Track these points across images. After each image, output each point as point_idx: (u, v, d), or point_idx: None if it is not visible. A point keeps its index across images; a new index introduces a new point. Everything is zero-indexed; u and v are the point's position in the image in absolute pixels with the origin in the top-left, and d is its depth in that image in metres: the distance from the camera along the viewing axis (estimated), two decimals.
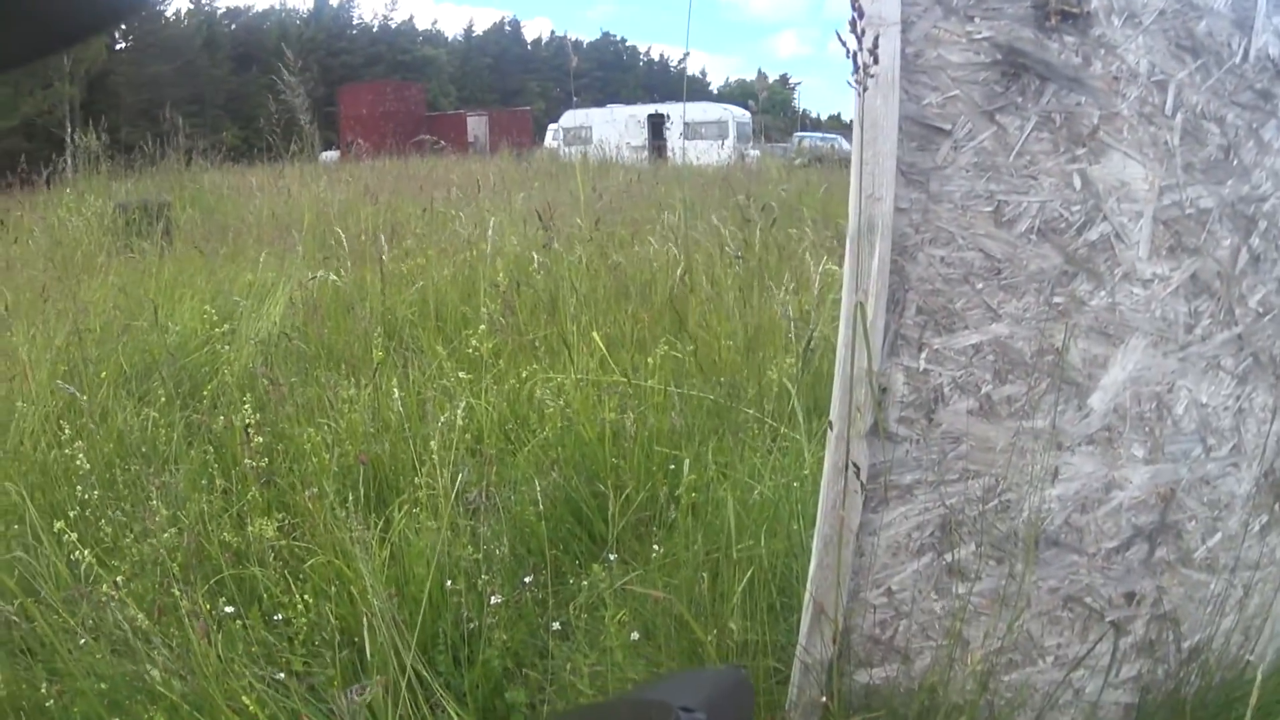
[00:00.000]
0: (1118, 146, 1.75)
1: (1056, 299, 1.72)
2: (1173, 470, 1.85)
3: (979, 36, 1.68)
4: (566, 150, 14.56)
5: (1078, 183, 1.72)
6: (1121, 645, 1.90)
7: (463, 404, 2.32)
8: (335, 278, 3.79)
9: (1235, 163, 1.84)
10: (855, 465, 1.61)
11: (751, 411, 2.47)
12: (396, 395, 2.50)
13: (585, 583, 1.99)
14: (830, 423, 1.65)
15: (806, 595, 1.75)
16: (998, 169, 1.68)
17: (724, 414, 2.51)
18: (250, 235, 5.29)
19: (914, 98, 1.65)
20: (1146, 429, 1.81)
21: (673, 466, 2.31)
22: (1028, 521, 1.75)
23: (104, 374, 2.86)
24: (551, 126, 23.56)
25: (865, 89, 1.57)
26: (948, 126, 1.66)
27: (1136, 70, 1.76)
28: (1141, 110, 1.77)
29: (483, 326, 2.79)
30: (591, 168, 8.84)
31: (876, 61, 1.56)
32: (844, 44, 1.62)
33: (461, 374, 2.62)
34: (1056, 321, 1.72)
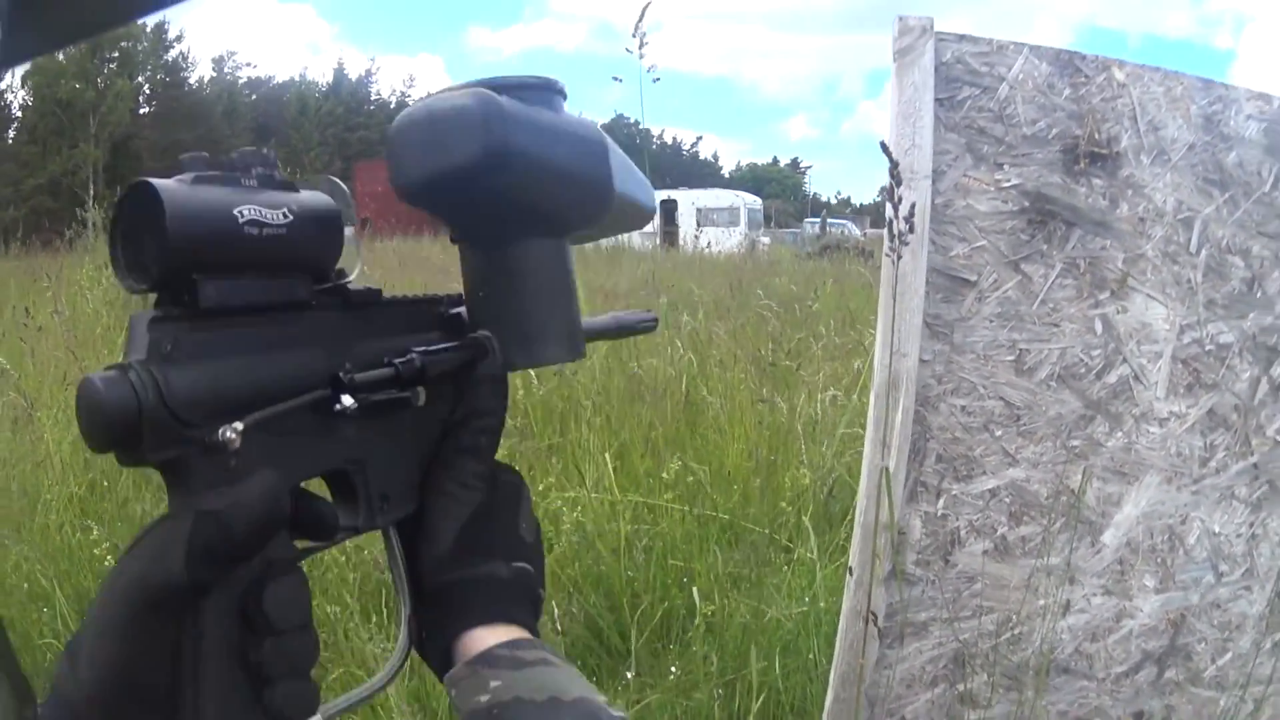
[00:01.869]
0: (1140, 289, 1.77)
1: (1073, 442, 1.75)
2: (1183, 597, 1.89)
3: (1007, 184, 1.69)
4: None
5: (1099, 327, 1.74)
6: None
7: None
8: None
9: (1259, 294, 1.85)
10: (874, 614, 1.66)
11: (766, 531, 2.53)
12: None
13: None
14: (850, 568, 1.70)
15: None
16: (1021, 318, 1.70)
17: (737, 529, 2.57)
18: None
19: (941, 249, 1.67)
20: (1158, 560, 1.85)
21: (685, 579, 2.37)
22: (1039, 652, 1.80)
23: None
24: None
25: (900, 258, 1.59)
26: (974, 277, 1.68)
27: (1163, 209, 1.77)
28: (1166, 250, 1.78)
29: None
30: (605, 254, 8.76)
31: (912, 230, 1.58)
32: (884, 208, 1.63)
33: None
34: (1073, 464, 1.75)
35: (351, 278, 0.57)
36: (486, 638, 0.58)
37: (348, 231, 0.55)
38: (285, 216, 0.50)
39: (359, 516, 0.59)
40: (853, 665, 1.72)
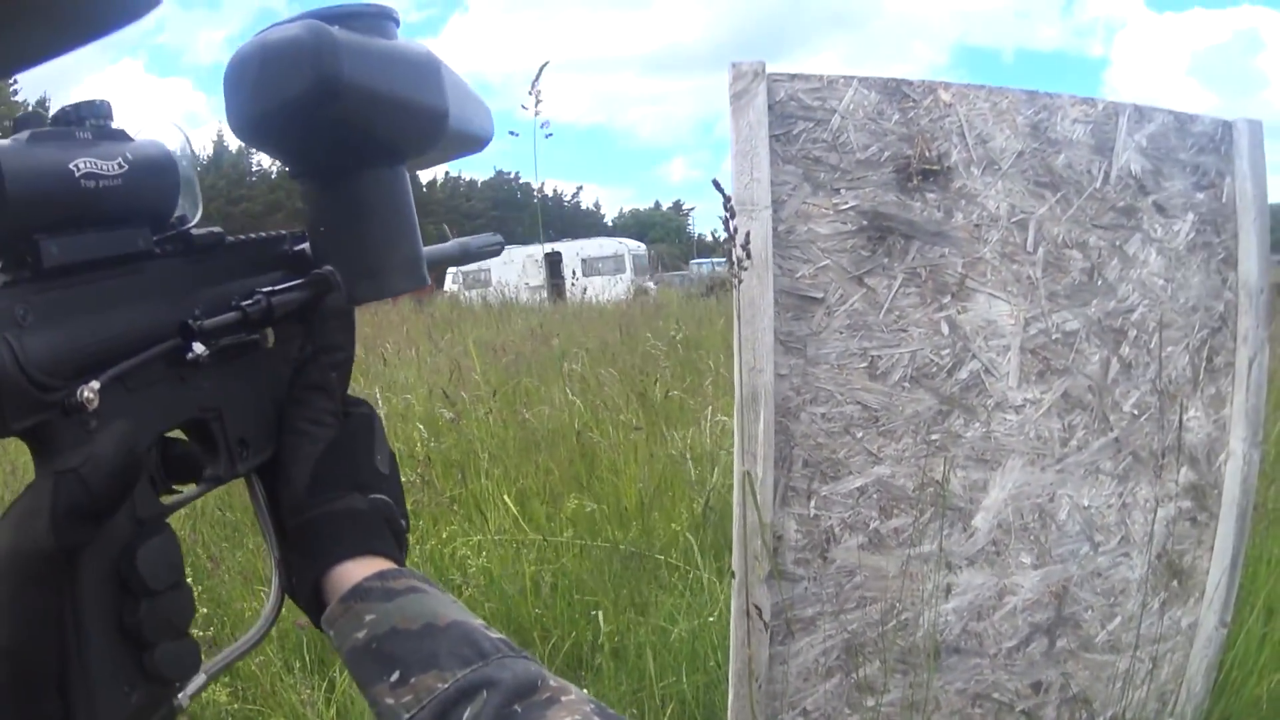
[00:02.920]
0: (982, 289, 1.91)
1: (933, 436, 1.89)
2: (1062, 570, 2.02)
3: (845, 207, 1.85)
4: (467, 294, 14.72)
5: (946, 329, 1.89)
6: None
7: None
8: None
9: (1099, 282, 1.99)
10: (757, 608, 1.80)
11: (661, 557, 2.66)
12: None
13: None
14: (733, 571, 1.84)
15: None
16: (869, 327, 1.85)
17: (636, 560, 2.69)
18: None
19: (788, 272, 1.82)
20: (1031, 538, 1.98)
21: (594, 613, 2.50)
22: (926, 635, 1.93)
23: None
24: (451, 270, 23.91)
25: (740, 281, 1.75)
26: (820, 295, 1.83)
27: (997, 214, 1.92)
28: (1003, 251, 1.92)
29: None
30: (494, 312, 8.86)
31: (749, 256, 1.74)
32: (726, 249, 1.79)
33: None
34: (935, 457, 1.89)
35: (193, 222, 0.56)
36: (354, 572, 0.58)
37: (184, 172, 0.55)
38: (120, 166, 0.49)
39: (220, 465, 0.58)
40: (744, 662, 1.85)
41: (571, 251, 21.56)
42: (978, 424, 1.92)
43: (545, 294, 13.94)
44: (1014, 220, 1.93)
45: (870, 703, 1.94)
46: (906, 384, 1.87)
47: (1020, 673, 2.03)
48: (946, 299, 1.88)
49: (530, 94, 2.64)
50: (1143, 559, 2.08)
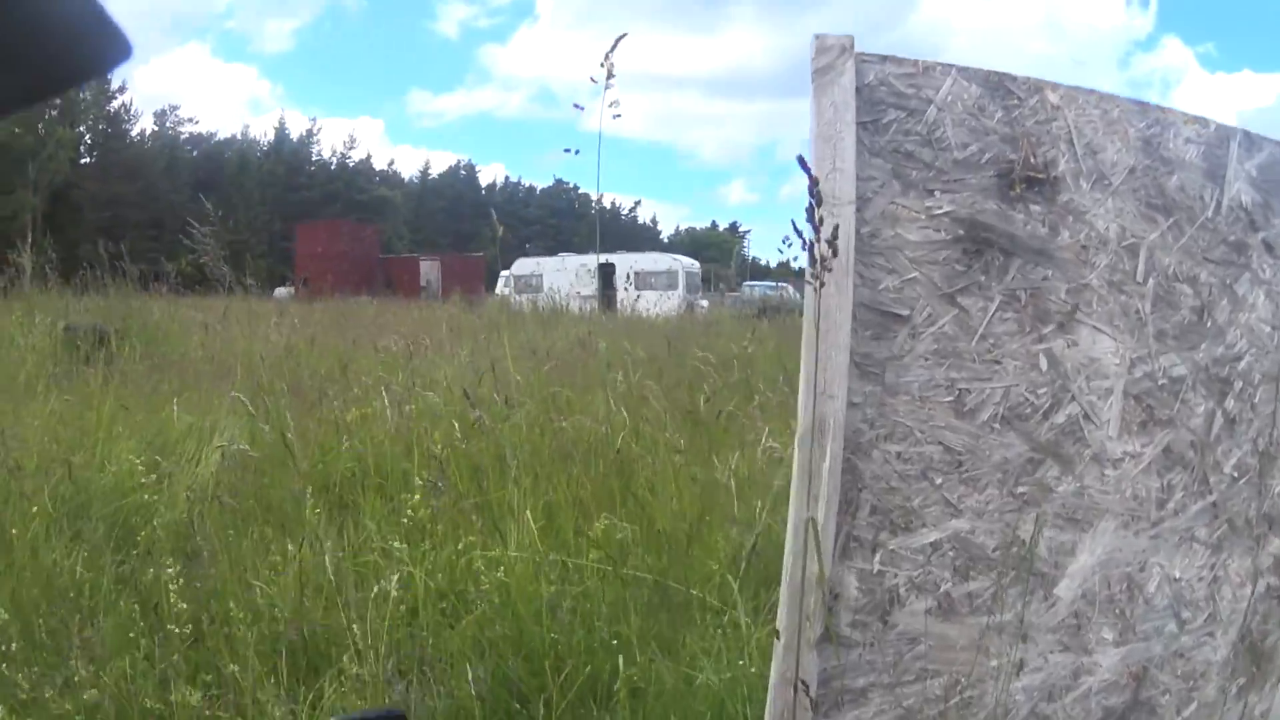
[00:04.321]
0: (1087, 320, 1.65)
1: (1021, 489, 1.63)
2: (1145, 649, 1.77)
3: (939, 211, 1.58)
4: (517, 298, 14.78)
5: (1044, 364, 1.63)
6: None
7: (396, 576, 2.24)
8: (267, 428, 3.65)
9: (1209, 324, 1.75)
10: (804, 683, 1.52)
11: (695, 592, 2.38)
12: (327, 561, 2.42)
13: None
14: (777, 631, 1.56)
15: None
16: (959, 355, 1.58)
17: (665, 593, 2.42)
18: (194, 374, 5.12)
19: (869, 282, 1.54)
20: (1117, 611, 1.73)
21: (613, 642, 2.22)
22: (992, 716, 1.66)
23: (35, 509, 2.75)
24: (503, 273, 23.93)
25: (822, 284, 1.47)
26: (905, 312, 1.55)
27: (1106, 236, 1.67)
28: (1111, 279, 1.67)
29: (417, 496, 2.71)
30: (542, 317, 8.71)
31: (835, 254, 1.46)
32: (800, 234, 1.51)
33: (395, 544, 2.54)
34: (1022, 512, 1.63)
35: None
36: None
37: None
38: None
39: None
40: None
41: (625, 264, 21.53)
42: (1071, 477, 1.66)
43: (595, 304, 13.69)
44: (1124, 244, 1.68)
45: None
46: (996, 425, 1.60)
47: None
48: (1048, 329, 1.62)
49: (602, 65, 2.35)
50: (1227, 640, 1.84)
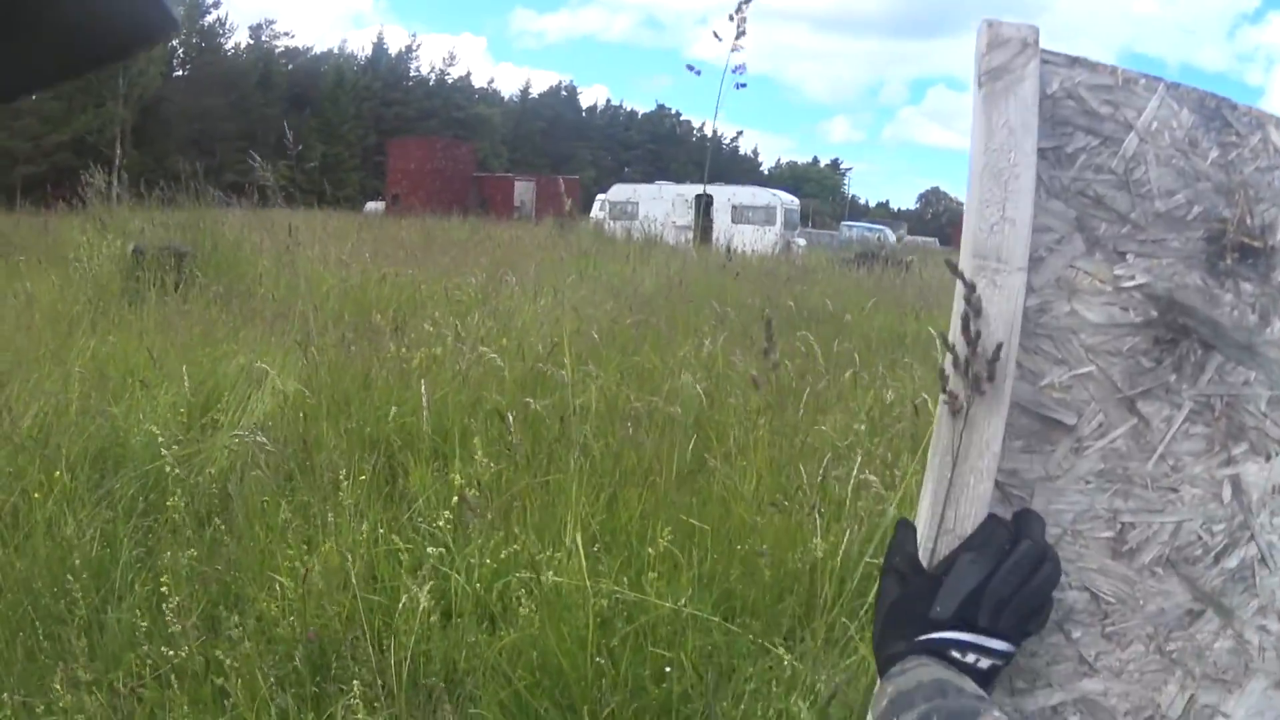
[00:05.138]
0: None
1: (1172, 645, 1.27)
2: None
3: (1130, 284, 1.17)
4: (611, 224, 14.26)
5: (1228, 493, 1.25)
6: None
7: (429, 584, 1.90)
8: (323, 373, 3.23)
9: None
10: None
11: (763, 642, 2.02)
12: (350, 560, 2.08)
13: None
14: None
15: None
16: (1129, 480, 1.19)
17: (732, 637, 2.08)
18: (259, 306, 4.64)
19: (1029, 374, 1.14)
20: None
21: (667, 668, 1.89)
22: None
23: (57, 474, 2.43)
24: (599, 198, 23.17)
25: (966, 409, 1.06)
26: (1072, 420, 1.16)
27: None
28: None
29: (463, 494, 2.34)
30: (635, 248, 8.23)
31: (992, 379, 1.05)
32: (952, 352, 1.09)
33: (430, 549, 2.19)
34: (1166, 673, 1.27)
35: None
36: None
37: None
38: None
39: None
40: None
41: (724, 196, 21.00)
42: (1230, 632, 1.30)
43: (690, 235, 13.16)
44: None
45: None
46: (1159, 569, 1.23)
47: None
48: (1240, 449, 1.24)
49: (732, 19, 1.99)
50: None
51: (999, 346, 1.04)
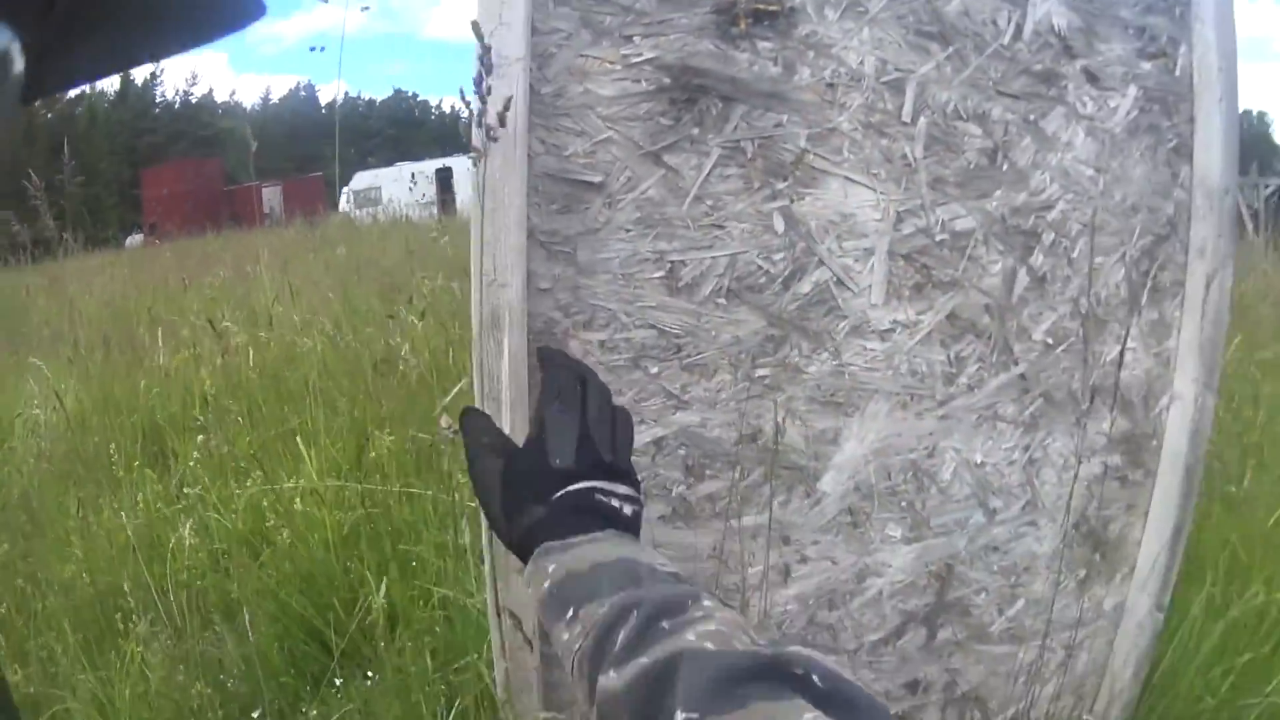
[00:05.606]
0: (836, 171, 1.41)
1: (761, 372, 1.42)
2: (946, 544, 1.57)
3: (639, 60, 1.34)
4: (358, 213, 14.44)
5: (780, 224, 1.40)
6: None
7: (188, 523, 2.15)
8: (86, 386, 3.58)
9: (1005, 168, 1.49)
10: (513, 613, 1.36)
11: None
12: (124, 517, 2.35)
13: (314, 712, 1.82)
14: (480, 556, 1.40)
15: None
16: (669, 222, 1.36)
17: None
18: (34, 340, 5.07)
19: (554, 149, 1.33)
20: (903, 504, 1.52)
21: (414, 564, 2.10)
22: (761, 628, 1.49)
23: None
24: (344, 190, 23.14)
25: (484, 156, 1.26)
26: (599, 179, 1.34)
27: (861, 71, 1.41)
28: (868, 120, 1.42)
29: (200, 437, 2.62)
30: (380, 230, 8.53)
31: (503, 124, 1.25)
32: (467, 104, 1.30)
33: (188, 490, 2.46)
34: (763, 399, 1.42)
35: None
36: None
37: None
38: None
39: None
40: (505, 674, 1.43)
41: (463, 166, 21.04)
42: (825, 354, 1.44)
43: (435, 211, 13.54)
44: (885, 80, 1.42)
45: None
46: (722, 299, 1.39)
47: (890, 670, 1.60)
48: (783, 184, 1.39)
49: None
50: (1054, 528, 1.63)
51: (508, 100, 1.22)
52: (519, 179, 1.28)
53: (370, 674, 1.86)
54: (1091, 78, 1.54)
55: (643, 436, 1.39)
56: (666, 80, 1.35)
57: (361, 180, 24.28)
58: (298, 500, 2.36)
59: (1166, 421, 1.67)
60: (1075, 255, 1.55)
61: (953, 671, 1.64)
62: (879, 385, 1.47)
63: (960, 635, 1.62)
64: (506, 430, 1.31)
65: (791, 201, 1.39)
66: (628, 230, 1.35)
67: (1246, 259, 5.59)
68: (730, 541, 1.44)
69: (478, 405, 1.32)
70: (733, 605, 1.32)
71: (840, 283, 1.43)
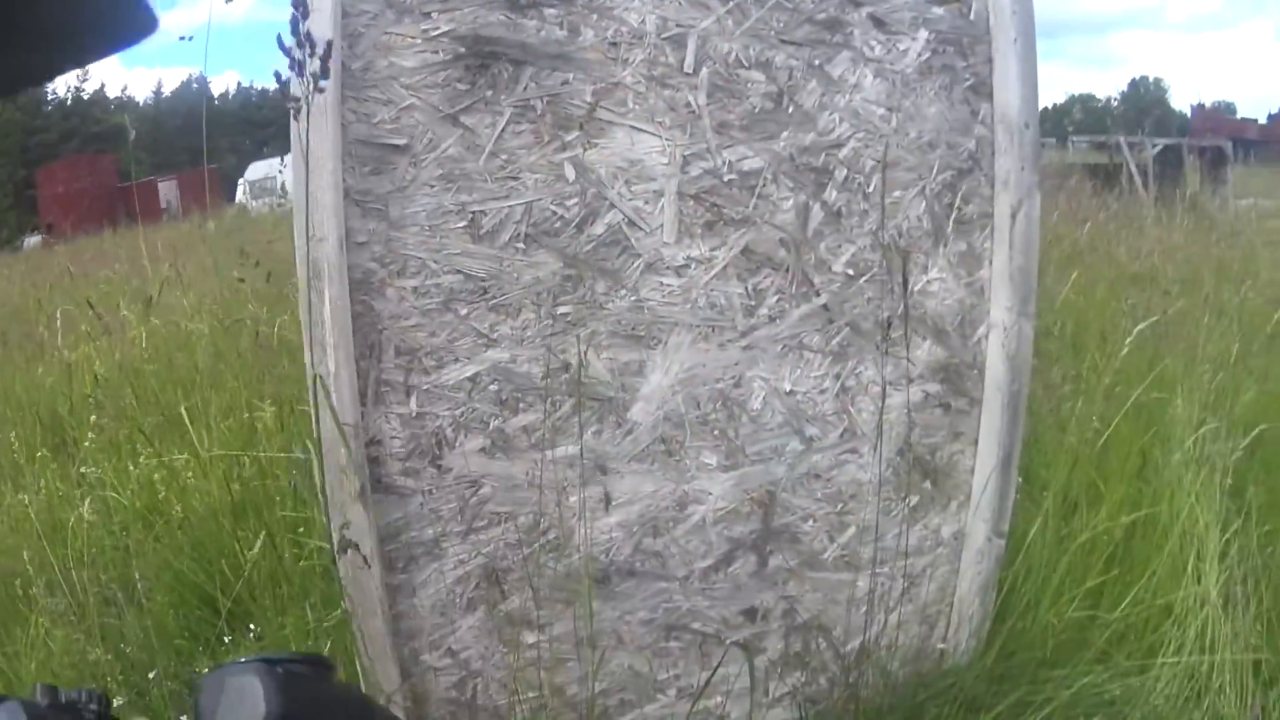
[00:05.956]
0: (621, 121, 1.53)
1: (562, 309, 1.52)
2: (764, 471, 1.65)
3: (436, 33, 1.47)
4: (254, 204, 14.45)
5: (571, 173, 1.51)
6: (760, 663, 1.73)
7: (87, 501, 2.26)
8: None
9: (791, 110, 1.60)
10: (351, 541, 1.45)
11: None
12: (27, 499, 2.47)
13: (205, 670, 1.90)
14: (321, 491, 1.50)
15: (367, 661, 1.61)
16: (469, 177, 1.48)
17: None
18: None
19: (364, 117, 1.45)
20: (715, 432, 1.61)
21: (301, 529, 2.20)
22: (585, 556, 1.57)
23: None
24: (241, 181, 23.14)
25: (307, 111, 1.37)
26: (404, 141, 1.46)
27: (642, 30, 1.54)
28: (651, 74, 1.54)
29: (94, 417, 2.75)
30: (275, 218, 8.67)
31: (326, 74, 1.35)
32: (292, 59, 1.41)
33: (85, 470, 2.58)
34: (566, 334, 1.53)
35: None
36: None
37: None
38: None
39: None
40: (359, 600, 1.52)
41: None
42: (623, 290, 1.55)
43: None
44: (666, 36, 1.54)
45: (530, 639, 1.60)
46: (521, 244, 1.50)
47: (724, 598, 1.68)
48: (571, 135, 1.51)
49: None
50: (878, 456, 1.70)
51: (328, 44, 1.32)
52: (333, 145, 1.41)
53: (253, 627, 1.95)
54: (879, 23, 1.66)
55: (458, 373, 1.50)
56: (462, 50, 1.48)
57: (258, 169, 24.02)
58: (189, 474, 2.47)
59: (986, 350, 1.76)
60: (871, 190, 1.65)
61: (790, 599, 1.71)
62: (678, 318, 1.57)
63: (792, 562, 1.69)
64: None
65: (583, 150, 1.51)
66: (432, 186, 1.47)
67: (1136, 215, 5.66)
68: (547, 471, 1.53)
69: (305, 350, 1.44)
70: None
71: (632, 223, 1.54)
